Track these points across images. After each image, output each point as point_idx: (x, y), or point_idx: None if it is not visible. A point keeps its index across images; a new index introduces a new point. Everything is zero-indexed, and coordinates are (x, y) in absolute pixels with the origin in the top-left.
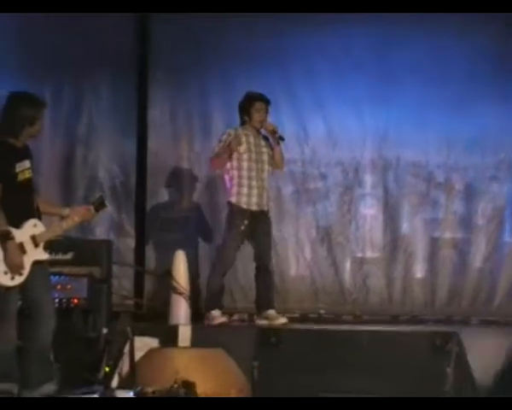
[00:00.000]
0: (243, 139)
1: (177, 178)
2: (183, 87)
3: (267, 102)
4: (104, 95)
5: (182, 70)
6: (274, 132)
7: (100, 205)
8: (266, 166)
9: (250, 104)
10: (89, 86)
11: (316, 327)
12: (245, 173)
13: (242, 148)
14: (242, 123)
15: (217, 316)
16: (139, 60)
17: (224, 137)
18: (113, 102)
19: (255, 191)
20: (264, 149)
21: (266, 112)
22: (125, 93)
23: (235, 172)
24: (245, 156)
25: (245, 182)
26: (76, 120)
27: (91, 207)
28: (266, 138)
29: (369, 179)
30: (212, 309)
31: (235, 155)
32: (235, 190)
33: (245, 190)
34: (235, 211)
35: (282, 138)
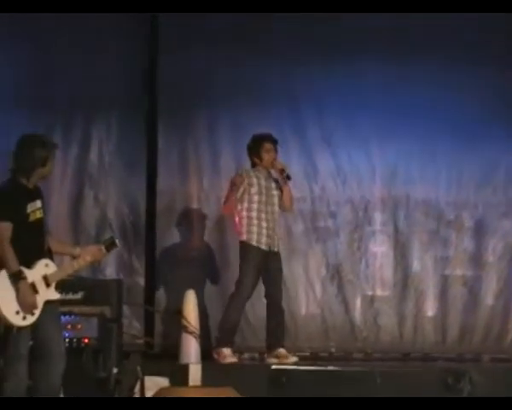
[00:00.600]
0: (254, 181)
1: (187, 217)
2: (192, 125)
3: (275, 142)
4: (113, 135)
5: (191, 109)
6: (282, 171)
7: (111, 245)
8: (276, 208)
9: (260, 145)
10: (98, 126)
11: (327, 368)
12: (255, 214)
13: (253, 189)
14: (253, 165)
15: (228, 355)
16: (148, 100)
17: (236, 180)
18: (122, 142)
19: (265, 232)
20: (275, 192)
21: (275, 151)
22: (135, 133)
23: (245, 213)
24: (255, 198)
25: (255, 222)
26: (85, 159)
27: (102, 247)
28: (276, 180)
29: (378, 217)
30: (224, 346)
31: (245, 197)
32: (244, 229)
33: (255, 229)
34: (247, 248)
35: (288, 177)
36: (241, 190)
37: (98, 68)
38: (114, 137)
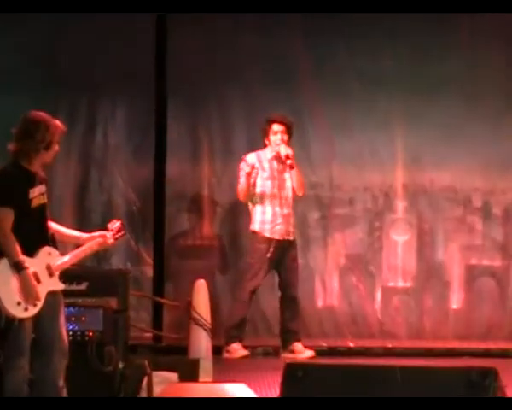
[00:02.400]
0: (266, 165)
1: (197, 204)
2: (203, 107)
3: (287, 124)
4: (120, 117)
5: (201, 89)
6: (286, 158)
7: (118, 232)
8: (290, 193)
9: (268, 126)
10: (104, 108)
11: (345, 363)
12: (268, 201)
13: (265, 174)
14: (265, 146)
15: (239, 349)
16: (157, 81)
17: (245, 165)
18: (129, 125)
19: (280, 219)
20: (287, 175)
21: (286, 134)
22: (143, 115)
23: (259, 199)
24: (268, 183)
25: (269, 209)
26: (91, 143)
27: (109, 235)
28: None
29: (400, 204)
30: (233, 342)
31: (257, 183)
32: (258, 218)
33: (268, 217)
34: (259, 240)
35: (291, 167)
36: (253, 175)
37: (105, 49)
38: (121, 120)
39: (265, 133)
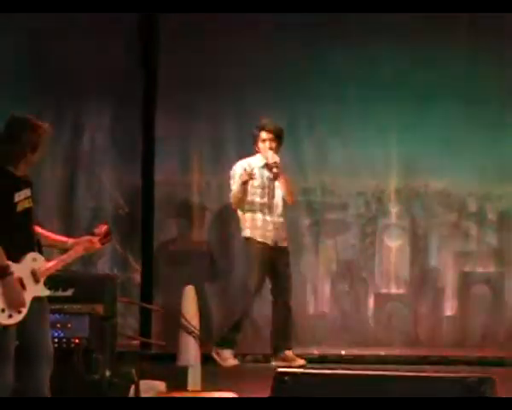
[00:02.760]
0: (256, 172)
1: (187, 209)
2: (193, 110)
3: (275, 131)
4: (107, 119)
5: (191, 90)
6: (273, 167)
7: (105, 237)
8: (280, 201)
9: (257, 134)
10: (91, 110)
11: (337, 371)
12: (258, 208)
13: (256, 182)
14: (256, 153)
15: (229, 357)
16: (145, 81)
17: (238, 171)
18: (116, 127)
19: (271, 226)
20: (278, 183)
21: (274, 142)
22: (130, 117)
23: (249, 207)
24: (258, 191)
25: (259, 216)
26: (77, 146)
27: (95, 239)
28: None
29: (394, 209)
30: (225, 348)
31: (248, 190)
32: (248, 224)
33: (259, 223)
34: (252, 244)
35: (275, 177)
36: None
37: (91, 50)
38: (108, 123)
39: (254, 140)
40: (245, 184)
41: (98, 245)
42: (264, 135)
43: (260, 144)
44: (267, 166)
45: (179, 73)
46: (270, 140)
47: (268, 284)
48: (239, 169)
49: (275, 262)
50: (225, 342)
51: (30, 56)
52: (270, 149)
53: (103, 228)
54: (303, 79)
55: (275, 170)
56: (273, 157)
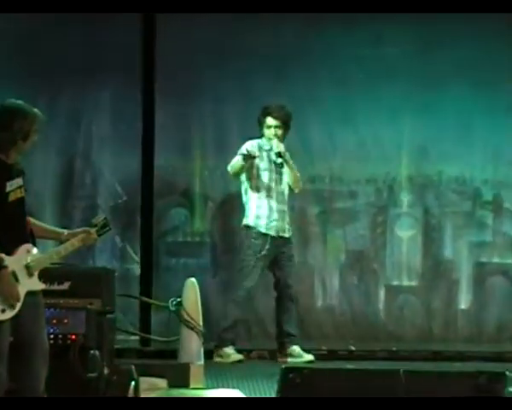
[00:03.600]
0: (264, 155)
1: (188, 198)
2: (195, 94)
3: (282, 117)
4: (105, 103)
5: (193, 75)
6: (278, 156)
7: (102, 228)
8: (286, 189)
9: (263, 119)
10: (88, 94)
11: (346, 367)
12: (264, 194)
13: (263, 165)
14: (261, 137)
15: (231, 354)
16: (145, 63)
17: (243, 147)
18: (114, 113)
19: (275, 215)
20: (286, 169)
21: (281, 129)
22: (129, 102)
23: (254, 193)
24: (265, 175)
25: (265, 203)
26: (73, 132)
27: (93, 231)
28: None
29: (405, 198)
30: (225, 346)
31: (254, 173)
32: (253, 212)
33: (264, 211)
34: (253, 235)
35: (281, 165)
36: (249, 163)
37: (88, 34)
38: (106, 109)
39: (260, 125)
40: (250, 157)
41: (96, 237)
42: (270, 121)
43: (265, 130)
44: (274, 153)
45: (180, 58)
46: (275, 127)
47: (271, 277)
48: (247, 146)
49: (278, 254)
50: (224, 341)
51: (23, 41)
52: (276, 135)
53: (101, 218)
54: (307, 61)
55: (279, 160)
56: (278, 146)
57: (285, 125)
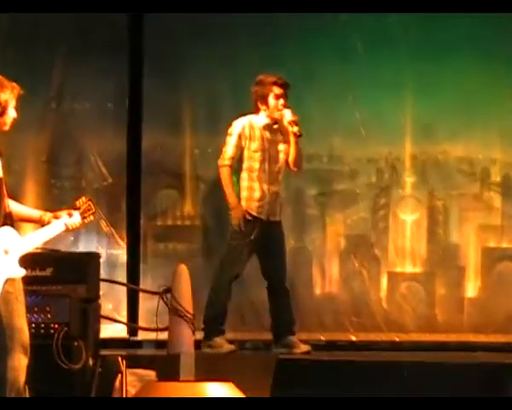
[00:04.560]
0: (257, 133)
1: (178, 179)
2: (184, 68)
3: (287, 86)
4: (89, 79)
5: (182, 48)
6: (293, 124)
7: (87, 211)
8: (282, 167)
9: (268, 90)
10: (71, 69)
11: (345, 359)
12: (257, 175)
13: (254, 144)
14: (256, 111)
15: (222, 343)
16: (131, 37)
17: (237, 129)
18: (99, 89)
19: (268, 198)
20: (282, 147)
21: (286, 98)
22: (114, 76)
23: (246, 174)
24: (257, 155)
25: (257, 186)
26: (55, 110)
27: (77, 213)
28: (284, 132)
29: (409, 179)
30: (215, 335)
31: (246, 153)
32: (245, 194)
33: (257, 194)
34: (244, 218)
35: (298, 135)
36: (242, 144)
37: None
38: (90, 83)
39: (262, 97)
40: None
41: (79, 220)
42: (277, 90)
43: (272, 101)
44: (280, 125)
45: (169, 28)
46: (283, 96)
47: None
48: (238, 127)
49: (268, 239)
50: (214, 331)
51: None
52: (284, 106)
53: (84, 201)
54: (302, 34)
55: (296, 128)
56: (292, 114)
57: (287, 93)
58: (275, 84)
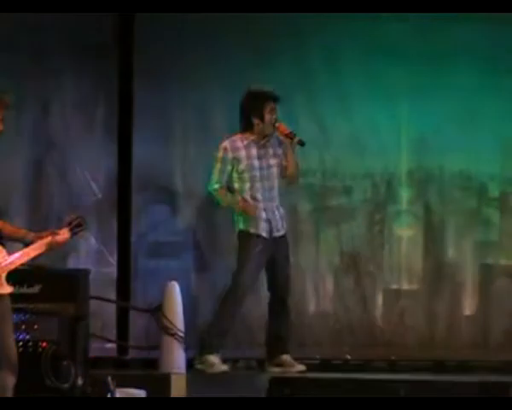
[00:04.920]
0: (242, 154)
1: (169, 194)
2: (175, 81)
3: (277, 98)
4: (78, 93)
5: (173, 59)
6: (292, 136)
7: (77, 226)
8: (276, 183)
9: (262, 104)
10: (59, 80)
11: (341, 376)
12: (249, 195)
13: (242, 166)
14: (246, 128)
15: (216, 363)
16: (121, 51)
17: (220, 153)
18: (89, 102)
19: (264, 215)
20: (273, 161)
21: (276, 112)
22: (105, 89)
23: (239, 196)
24: (246, 176)
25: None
26: (43, 122)
27: (65, 230)
28: (278, 144)
29: (405, 194)
30: (210, 353)
31: (234, 176)
32: (241, 216)
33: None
34: (244, 237)
35: (302, 143)
36: (228, 168)
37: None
38: (79, 97)
39: (257, 111)
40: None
41: (67, 236)
42: (271, 104)
43: (267, 116)
44: (289, 136)
45: (159, 36)
46: (275, 110)
47: (261, 280)
48: (220, 151)
49: (272, 255)
50: (209, 349)
51: None
52: (276, 120)
53: (75, 217)
54: (295, 43)
55: (297, 139)
56: (286, 126)
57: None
58: (269, 97)
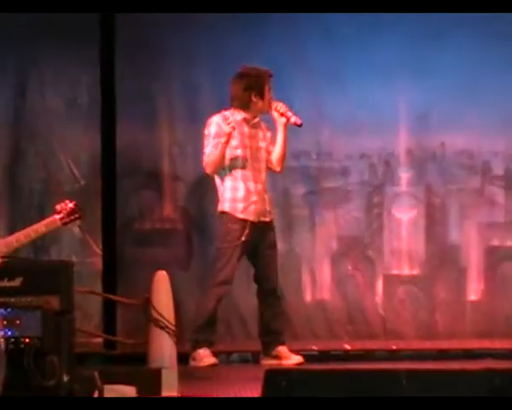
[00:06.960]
0: (236, 129)
1: (156, 180)
2: (161, 60)
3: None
4: (58, 74)
5: (157, 37)
6: (289, 116)
7: (69, 215)
8: (264, 165)
9: (264, 81)
10: (38, 61)
11: (339, 368)
12: (240, 174)
13: (234, 142)
14: (242, 106)
15: (205, 356)
16: (102, 26)
17: (212, 128)
18: (69, 84)
19: (254, 197)
20: (262, 143)
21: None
22: (86, 70)
23: (228, 174)
24: (239, 152)
25: (241, 185)
26: (22, 105)
27: (57, 218)
28: (266, 129)
29: (405, 174)
30: (199, 347)
31: (227, 151)
32: (228, 195)
33: (241, 194)
34: (230, 222)
35: (299, 124)
36: (222, 141)
37: None
38: (59, 78)
39: (259, 89)
40: (226, 144)
41: (59, 224)
42: (270, 83)
43: (267, 94)
44: (284, 114)
45: (144, 15)
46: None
47: (252, 268)
48: (213, 126)
49: (258, 241)
50: (200, 342)
51: None
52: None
53: (67, 204)
54: (289, 17)
55: (294, 118)
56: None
57: None
58: (270, 76)
